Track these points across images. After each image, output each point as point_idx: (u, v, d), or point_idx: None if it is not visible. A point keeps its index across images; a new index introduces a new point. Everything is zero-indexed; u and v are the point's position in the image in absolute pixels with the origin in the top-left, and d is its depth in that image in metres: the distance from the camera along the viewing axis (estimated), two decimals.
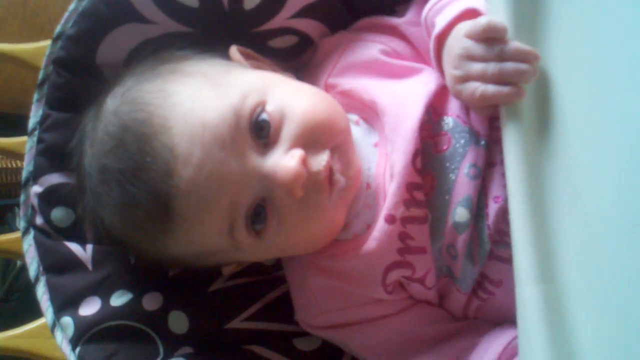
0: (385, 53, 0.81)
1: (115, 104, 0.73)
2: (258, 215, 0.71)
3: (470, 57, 0.65)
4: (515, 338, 0.70)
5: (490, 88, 0.64)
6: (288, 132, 0.71)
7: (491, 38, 0.64)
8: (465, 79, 0.66)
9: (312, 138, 0.71)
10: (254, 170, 0.69)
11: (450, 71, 0.68)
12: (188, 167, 0.67)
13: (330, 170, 0.71)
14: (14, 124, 1.08)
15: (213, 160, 0.68)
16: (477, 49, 0.65)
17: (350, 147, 0.76)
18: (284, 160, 0.70)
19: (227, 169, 0.68)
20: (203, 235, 0.71)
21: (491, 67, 0.63)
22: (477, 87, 0.65)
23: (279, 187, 0.69)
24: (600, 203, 0.58)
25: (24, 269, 1.65)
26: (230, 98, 0.70)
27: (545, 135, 0.62)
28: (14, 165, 1.55)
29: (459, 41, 0.67)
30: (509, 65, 0.62)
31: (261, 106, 0.71)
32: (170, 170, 0.67)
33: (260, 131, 0.71)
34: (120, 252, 0.82)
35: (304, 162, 0.69)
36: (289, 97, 0.73)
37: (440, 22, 0.70)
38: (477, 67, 0.64)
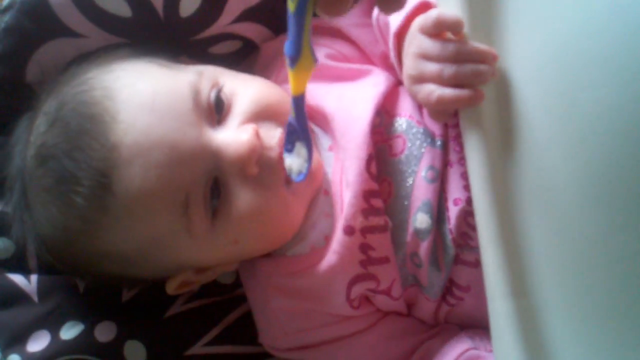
0: (331, 57, 0.78)
1: (54, 94, 0.70)
2: (212, 197, 0.67)
3: (425, 56, 0.62)
4: (466, 351, 0.70)
5: (448, 92, 0.60)
6: (240, 109, 0.69)
7: (445, 33, 0.61)
8: (421, 79, 0.63)
9: (265, 115, 0.70)
10: (207, 144, 0.66)
11: (406, 71, 0.65)
12: (131, 133, 0.63)
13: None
14: None
15: (165, 127, 0.64)
16: (431, 47, 0.61)
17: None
18: (237, 133, 0.67)
19: (181, 137, 0.65)
20: (149, 212, 0.66)
21: (447, 69, 0.60)
22: (434, 91, 0.61)
23: (232, 163, 0.66)
24: (569, 209, 0.56)
25: None
26: (185, 76, 0.69)
27: (507, 139, 0.60)
28: None
29: (413, 38, 0.63)
30: (466, 67, 0.59)
31: (216, 86, 0.70)
32: (110, 134, 0.63)
33: (214, 109, 0.68)
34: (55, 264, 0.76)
35: (257, 135, 0.67)
36: (241, 81, 0.72)
37: (395, 20, 0.67)
38: (432, 67, 0.61)
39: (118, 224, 0.66)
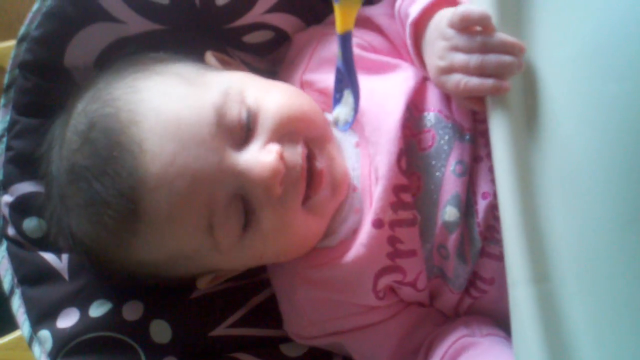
0: (360, 47, 0.79)
1: (84, 104, 0.71)
2: (238, 215, 0.69)
3: (454, 48, 0.63)
4: (458, 339, 0.71)
5: (473, 80, 0.62)
6: (263, 127, 0.70)
7: (473, 27, 0.62)
8: (449, 70, 0.64)
9: (288, 131, 0.70)
10: (230, 167, 0.67)
11: (435, 62, 0.66)
12: (157, 162, 0.65)
13: (309, 163, 0.70)
14: None
15: (188, 155, 0.66)
16: (460, 39, 0.63)
17: (330, 142, 0.74)
18: (261, 155, 0.68)
19: (203, 164, 0.66)
20: (176, 233, 0.69)
21: (474, 59, 0.61)
22: (461, 79, 0.63)
23: (256, 184, 0.67)
24: (592, 197, 0.56)
25: None
26: (209, 96, 0.69)
27: (533, 128, 0.61)
28: None
29: (441, 31, 0.65)
30: (492, 58, 0.60)
31: (241, 104, 0.70)
32: (137, 164, 0.66)
33: (239, 129, 0.69)
34: (89, 263, 0.78)
35: (281, 157, 0.68)
36: (264, 94, 0.72)
37: (414, 10, 0.68)
38: (460, 58, 0.63)
39: (148, 243, 0.69)
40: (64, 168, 0.71)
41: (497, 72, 0.60)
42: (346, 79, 0.63)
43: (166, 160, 0.65)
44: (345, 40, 0.60)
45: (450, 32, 0.63)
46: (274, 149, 0.68)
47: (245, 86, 0.72)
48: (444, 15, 0.65)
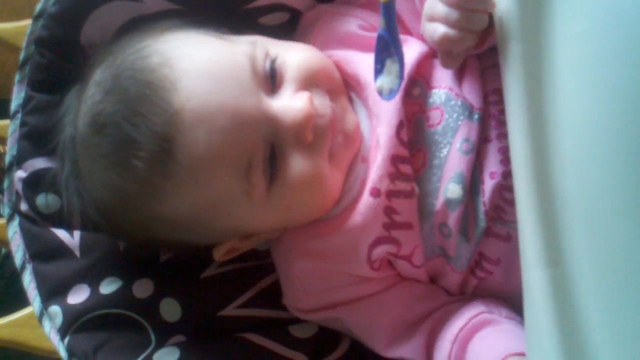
0: (363, 28, 0.80)
1: (105, 66, 0.71)
2: (270, 163, 0.69)
3: None
4: (479, 314, 0.71)
5: (452, 32, 0.63)
6: (290, 78, 0.71)
7: None
8: (431, 18, 0.65)
9: (314, 82, 0.71)
10: (266, 110, 0.68)
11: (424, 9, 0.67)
12: (194, 98, 0.65)
13: (334, 116, 0.71)
14: None
15: (227, 94, 0.66)
16: None
17: (343, 95, 0.75)
18: (293, 101, 0.69)
19: (243, 105, 0.66)
20: (213, 174, 0.67)
21: (453, 15, 0.62)
22: (437, 28, 0.64)
23: (289, 128, 0.68)
24: (607, 180, 0.55)
25: (9, 256, 1.63)
26: (240, 47, 0.71)
27: (549, 109, 0.60)
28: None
29: None
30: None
31: (266, 56, 0.71)
32: (172, 100, 0.64)
33: (266, 79, 0.70)
34: (105, 230, 0.77)
35: (312, 103, 0.69)
36: (286, 50, 0.74)
37: None
38: (442, 8, 0.63)
39: (179, 188, 0.67)
40: (85, 122, 0.70)
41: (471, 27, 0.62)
42: (391, 47, 0.63)
43: (203, 97, 0.65)
44: (389, 9, 0.60)
45: None
46: (304, 95, 0.69)
47: (268, 42, 0.74)
48: None
